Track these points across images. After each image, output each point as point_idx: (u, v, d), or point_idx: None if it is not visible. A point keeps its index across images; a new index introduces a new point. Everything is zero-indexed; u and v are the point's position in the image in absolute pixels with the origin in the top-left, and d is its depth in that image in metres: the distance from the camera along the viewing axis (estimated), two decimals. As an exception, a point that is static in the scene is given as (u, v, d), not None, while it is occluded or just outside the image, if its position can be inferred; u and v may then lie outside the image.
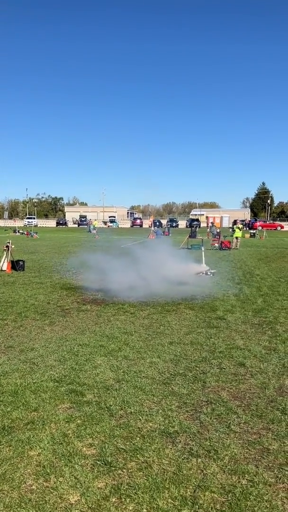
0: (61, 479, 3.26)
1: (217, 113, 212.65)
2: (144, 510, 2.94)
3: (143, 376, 5.29)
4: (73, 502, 3.02)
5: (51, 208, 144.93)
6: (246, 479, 3.28)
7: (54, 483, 3.22)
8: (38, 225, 77.22)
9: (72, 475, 3.31)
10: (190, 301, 9.89)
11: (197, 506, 2.97)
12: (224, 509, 2.95)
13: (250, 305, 9.52)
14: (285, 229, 71.33)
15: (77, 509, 2.95)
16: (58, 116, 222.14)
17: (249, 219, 78.97)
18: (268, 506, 2.99)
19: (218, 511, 2.92)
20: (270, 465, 3.49)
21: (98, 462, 3.48)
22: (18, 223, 67.01)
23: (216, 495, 3.09)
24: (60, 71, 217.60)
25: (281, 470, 3.41)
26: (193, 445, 3.76)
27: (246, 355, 6.12)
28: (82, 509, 2.94)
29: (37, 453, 3.61)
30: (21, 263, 15.15)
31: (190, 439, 3.85)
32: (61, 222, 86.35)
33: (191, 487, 3.18)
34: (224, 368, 5.62)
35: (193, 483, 3.23)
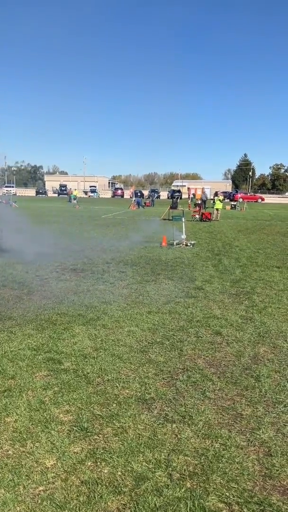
0: (38, 444, 3.29)
1: (199, 82, 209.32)
2: (119, 472, 3.00)
3: (121, 345, 5.33)
4: (49, 466, 3.06)
5: (31, 176, 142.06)
6: (219, 443, 3.38)
7: (31, 448, 3.25)
8: (17, 194, 75.55)
9: (49, 440, 3.35)
10: (170, 271, 9.93)
11: (170, 469, 3.05)
12: (196, 471, 3.04)
13: (228, 275, 9.62)
14: (265, 201, 71.68)
15: (53, 472, 2.99)
16: (37, 80, 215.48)
17: (229, 191, 78.38)
18: (239, 467, 3.09)
19: (191, 473, 3.01)
20: (242, 429, 3.59)
21: (74, 428, 3.52)
22: (-4, 191, 65.57)
23: (189, 458, 3.18)
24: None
25: (253, 434, 3.52)
26: (168, 411, 3.83)
27: (222, 324, 6.22)
28: (58, 473, 2.99)
29: (13, 419, 3.63)
30: (-1, 232, 14.87)
31: (166, 405, 3.93)
32: (40, 191, 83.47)
33: (165, 451, 3.26)
34: (201, 337, 5.70)
35: (168, 447, 3.31)
